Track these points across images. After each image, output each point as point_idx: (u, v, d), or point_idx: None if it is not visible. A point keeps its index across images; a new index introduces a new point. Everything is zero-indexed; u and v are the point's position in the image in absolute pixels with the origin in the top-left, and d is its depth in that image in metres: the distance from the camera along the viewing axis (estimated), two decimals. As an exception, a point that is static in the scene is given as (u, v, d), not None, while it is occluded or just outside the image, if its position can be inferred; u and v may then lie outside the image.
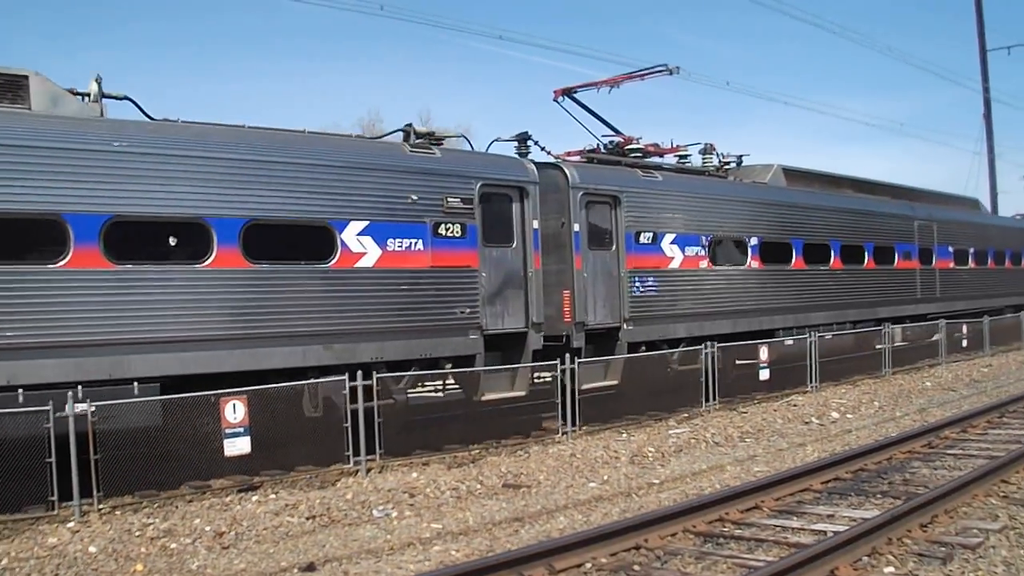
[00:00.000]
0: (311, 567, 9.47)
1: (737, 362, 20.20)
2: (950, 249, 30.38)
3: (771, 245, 22.30)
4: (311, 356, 14.11)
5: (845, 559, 8.53)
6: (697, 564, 8.92)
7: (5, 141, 11.71)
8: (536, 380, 17.47)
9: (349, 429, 13.92)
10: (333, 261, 14.39)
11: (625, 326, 18.55)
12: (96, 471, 11.71)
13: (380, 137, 16.21)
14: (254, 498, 12.43)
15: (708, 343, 19.36)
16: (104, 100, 13.69)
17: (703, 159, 22.56)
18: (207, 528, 10.96)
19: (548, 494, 12.63)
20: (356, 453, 13.99)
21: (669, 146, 22.10)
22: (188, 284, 13.01)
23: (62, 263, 12.02)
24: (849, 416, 18.96)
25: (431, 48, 56.59)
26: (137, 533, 10.77)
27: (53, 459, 11.36)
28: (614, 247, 18.59)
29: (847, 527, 9.54)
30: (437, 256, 15.53)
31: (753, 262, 21.64)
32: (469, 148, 18.32)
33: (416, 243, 15.30)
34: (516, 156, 17.88)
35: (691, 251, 20.00)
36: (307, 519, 11.43)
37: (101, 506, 11.82)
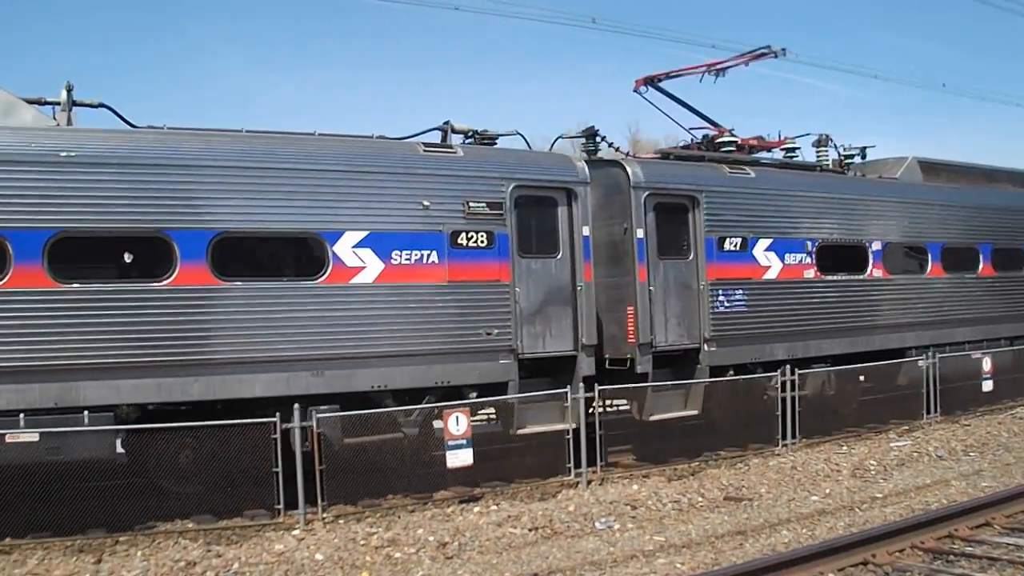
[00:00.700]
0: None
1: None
2: None
3: (899, 250, 18.93)
4: (296, 384, 12.48)
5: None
6: (926, 582, 8.61)
7: None
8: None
9: (571, 441, 13.92)
10: (323, 277, 12.72)
11: (706, 347, 15.85)
12: (320, 481, 12.11)
13: (408, 137, 14.42)
14: (475, 509, 12.46)
15: (925, 353, 18.17)
16: (76, 108, 12.72)
17: (817, 153, 19.41)
18: (430, 538, 11.02)
19: (770, 507, 12.34)
20: (577, 465, 14.01)
21: (777, 138, 19.15)
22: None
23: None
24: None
25: (637, 59, 54.42)
26: (362, 542, 10.93)
27: (280, 469, 11.83)
28: (691, 255, 15.96)
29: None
30: (456, 269, 13.57)
31: (875, 270, 18.24)
32: (525, 147, 15.96)
33: (429, 255, 13.40)
34: (562, 153, 15.61)
35: (792, 258, 16.99)
36: (529, 530, 11.38)
37: (325, 515, 12.23)
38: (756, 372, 16.36)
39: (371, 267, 12.99)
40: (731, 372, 16.12)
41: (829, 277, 17.59)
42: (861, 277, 18.13)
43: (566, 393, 14.16)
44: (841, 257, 17.94)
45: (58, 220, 11.37)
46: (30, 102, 12.36)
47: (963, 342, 19.43)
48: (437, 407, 13.28)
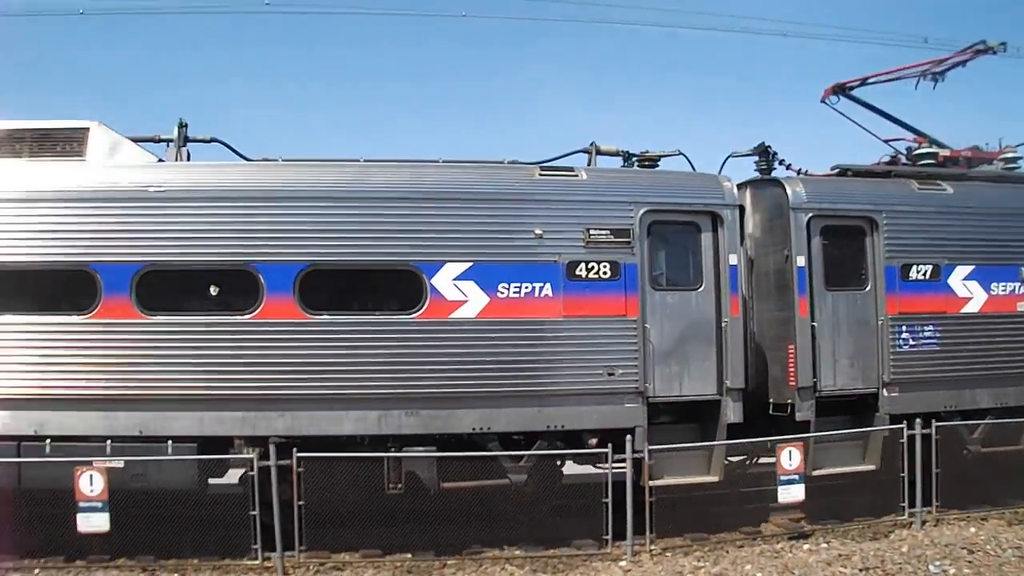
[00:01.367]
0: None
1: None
2: None
3: None
4: (389, 423, 11.79)
5: None
6: None
7: None
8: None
9: (905, 479, 13.31)
10: (420, 311, 11.94)
11: (885, 392, 13.50)
12: (650, 513, 12.08)
13: (552, 160, 13.35)
14: (805, 546, 12.31)
15: None
16: (190, 144, 12.85)
17: (1045, 164, 16.24)
18: (758, 574, 11.00)
19: None
20: (912, 504, 13.39)
21: (997, 148, 16.25)
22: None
23: None
24: None
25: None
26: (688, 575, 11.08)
27: (610, 499, 11.96)
28: (868, 286, 13.71)
29: None
30: (572, 303, 12.35)
31: (1121, 302, 14.89)
32: (689, 168, 14.16)
33: (542, 288, 12.29)
34: (706, 173, 13.84)
35: (1000, 288, 14.17)
36: (860, 571, 11.04)
37: (652, 547, 12.24)
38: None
39: (474, 300, 12.10)
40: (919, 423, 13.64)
41: (1052, 310, 14.54)
42: (1099, 310, 14.85)
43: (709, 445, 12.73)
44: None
45: (145, 255, 11.50)
46: (143, 140, 12.61)
47: None
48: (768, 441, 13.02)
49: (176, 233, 11.57)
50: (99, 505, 10.96)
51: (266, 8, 19.39)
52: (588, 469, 13.25)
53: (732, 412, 12.84)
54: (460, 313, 12.05)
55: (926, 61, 16.13)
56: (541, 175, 12.81)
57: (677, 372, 12.82)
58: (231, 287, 11.75)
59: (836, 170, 14.80)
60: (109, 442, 11.28)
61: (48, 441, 11.23)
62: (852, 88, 16.07)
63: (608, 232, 12.56)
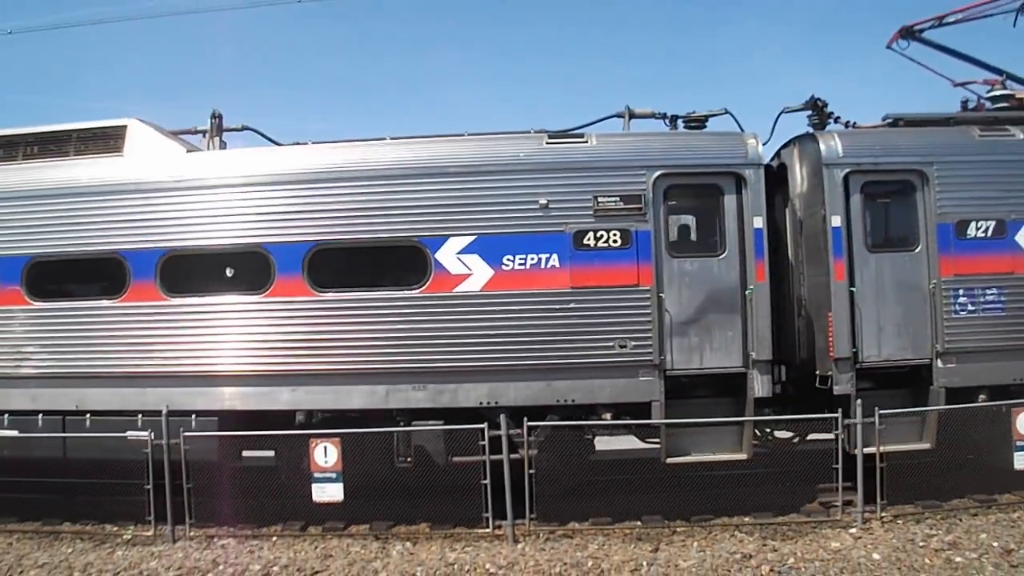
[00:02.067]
0: None
1: None
2: None
3: None
4: (395, 397, 12.12)
5: None
6: None
7: None
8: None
9: None
10: (424, 286, 12.17)
11: (939, 363, 12.44)
12: (881, 480, 11.95)
13: (583, 127, 13.12)
14: None
15: None
16: (225, 134, 13.61)
17: None
18: (994, 544, 10.83)
19: None
20: None
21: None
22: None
23: None
24: None
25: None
26: (921, 544, 10.99)
27: (839, 465, 11.95)
28: (918, 247, 12.68)
29: None
30: (579, 274, 12.18)
31: None
32: (737, 128, 13.35)
33: (548, 259, 12.19)
34: (727, 131, 13.15)
35: (1081, 244, 12.72)
36: None
37: (883, 514, 12.13)
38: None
39: (478, 274, 12.17)
40: (982, 397, 12.53)
41: None
42: None
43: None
44: None
45: (168, 240, 12.34)
46: (181, 132, 13.46)
47: None
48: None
49: (194, 219, 12.34)
50: (333, 476, 11.79)
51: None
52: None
53: (760, 386, 12.21)
54: (464, 287, 12.15)
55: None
56: (549, 143, 12.63)
57: (697, 344, 12.36)
58: (244, 268, 12.37)
59: (888, 120, 13.74)
60: (141, 415, 12.21)
61: (88, 415, 12.34)
62: (924, 30, 14.86)
63: (618, 199, 12.25)
